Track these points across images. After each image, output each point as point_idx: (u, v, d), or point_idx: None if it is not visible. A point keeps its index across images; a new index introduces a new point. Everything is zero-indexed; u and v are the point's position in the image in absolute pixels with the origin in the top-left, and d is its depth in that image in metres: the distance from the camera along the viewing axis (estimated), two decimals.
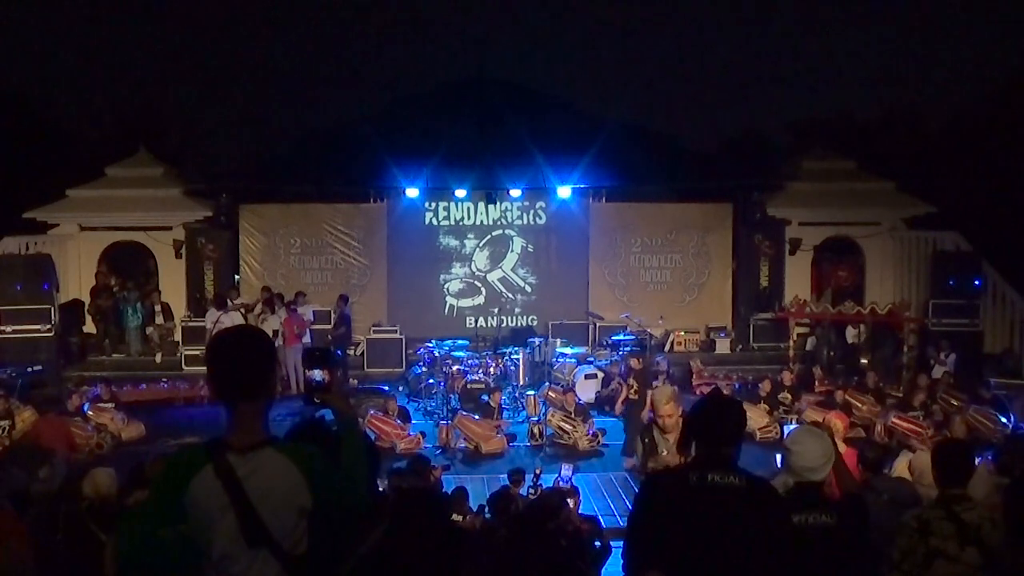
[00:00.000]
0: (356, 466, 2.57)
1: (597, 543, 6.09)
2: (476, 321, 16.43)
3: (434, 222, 16.53)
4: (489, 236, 16.65)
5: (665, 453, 5.49)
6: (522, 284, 16.74)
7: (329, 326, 14.85)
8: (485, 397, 11.71)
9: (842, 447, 8.57)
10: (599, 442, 10.89)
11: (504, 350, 14.07)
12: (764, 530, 2.90)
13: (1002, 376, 13.11)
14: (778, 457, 8.13)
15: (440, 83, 19.71)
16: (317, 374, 2.62)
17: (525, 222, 16.64)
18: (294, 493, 2.38)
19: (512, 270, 16.73)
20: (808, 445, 3.37)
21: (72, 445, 10.16)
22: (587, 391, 12.83)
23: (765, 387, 12.23)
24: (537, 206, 16.53)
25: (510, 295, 16.67)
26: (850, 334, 14.27)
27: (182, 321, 15.10)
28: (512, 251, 16.69)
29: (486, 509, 6.58)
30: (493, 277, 16.70)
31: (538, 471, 8.03)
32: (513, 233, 16.65)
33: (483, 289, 16.68)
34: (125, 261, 16.39)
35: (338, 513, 2.52)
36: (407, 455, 9.50)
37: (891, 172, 17.21)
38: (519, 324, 16.54)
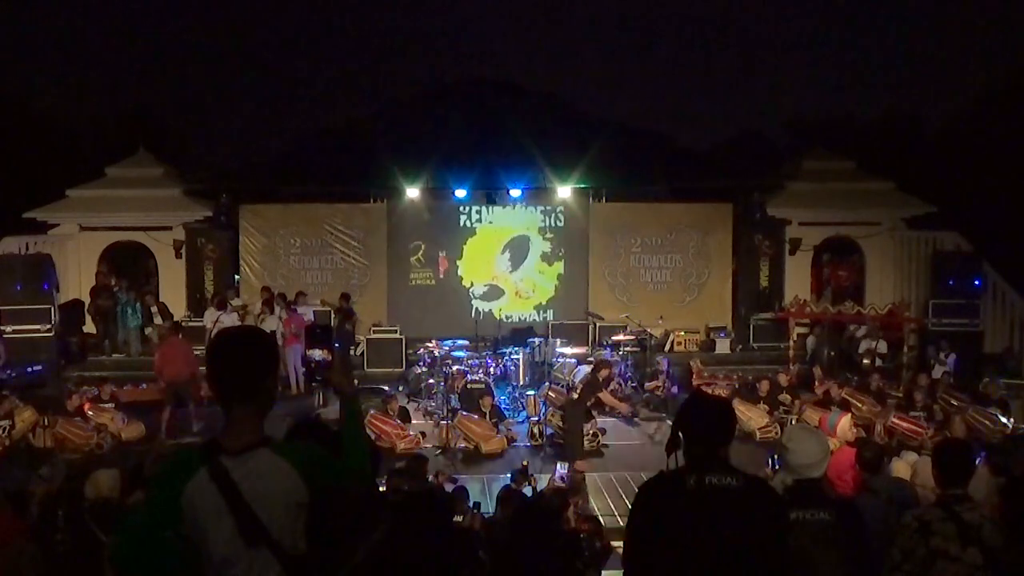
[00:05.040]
0: (358, 443, 2.56)
1: (597, 543, 6.08)
2: (506, 317, 16.37)
3: (467, 223, 16.54)
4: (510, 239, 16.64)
5: None
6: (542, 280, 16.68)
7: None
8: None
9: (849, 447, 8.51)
10: (599, 442, 10.89)
11: (504, 350, 14.08)
12: (764, 530, 2.90)
13: (1002, 376, 13.12)
14: (773, 458, 8.16)
15: (440, 83, 19.72)
16: (317, 353, 2.67)
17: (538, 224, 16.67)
18: (291, 491, 2.37)
19: (537, 269, 16.72)
20: (804, 443, 3.41)
21: (194, 368, 10.87)
22: None
23: (763, 387, 12.23)
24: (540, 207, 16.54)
25: (531, 292, 16.65)
26: (863, 346, 14.23)
27: (182, 321, 15.07)
28: (532, 250, 16.68)
29: (481, 506, 6.58)
30: (516, 278, 16.72)
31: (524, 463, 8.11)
32: (531, 235, 16.64)
33: (504, 290, 16.69)
34: (125, 261, 16.38)
35: (337, 499, 2.51)
36: (407, 455, 9.49)
37: (891, 172, 17.21)
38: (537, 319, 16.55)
